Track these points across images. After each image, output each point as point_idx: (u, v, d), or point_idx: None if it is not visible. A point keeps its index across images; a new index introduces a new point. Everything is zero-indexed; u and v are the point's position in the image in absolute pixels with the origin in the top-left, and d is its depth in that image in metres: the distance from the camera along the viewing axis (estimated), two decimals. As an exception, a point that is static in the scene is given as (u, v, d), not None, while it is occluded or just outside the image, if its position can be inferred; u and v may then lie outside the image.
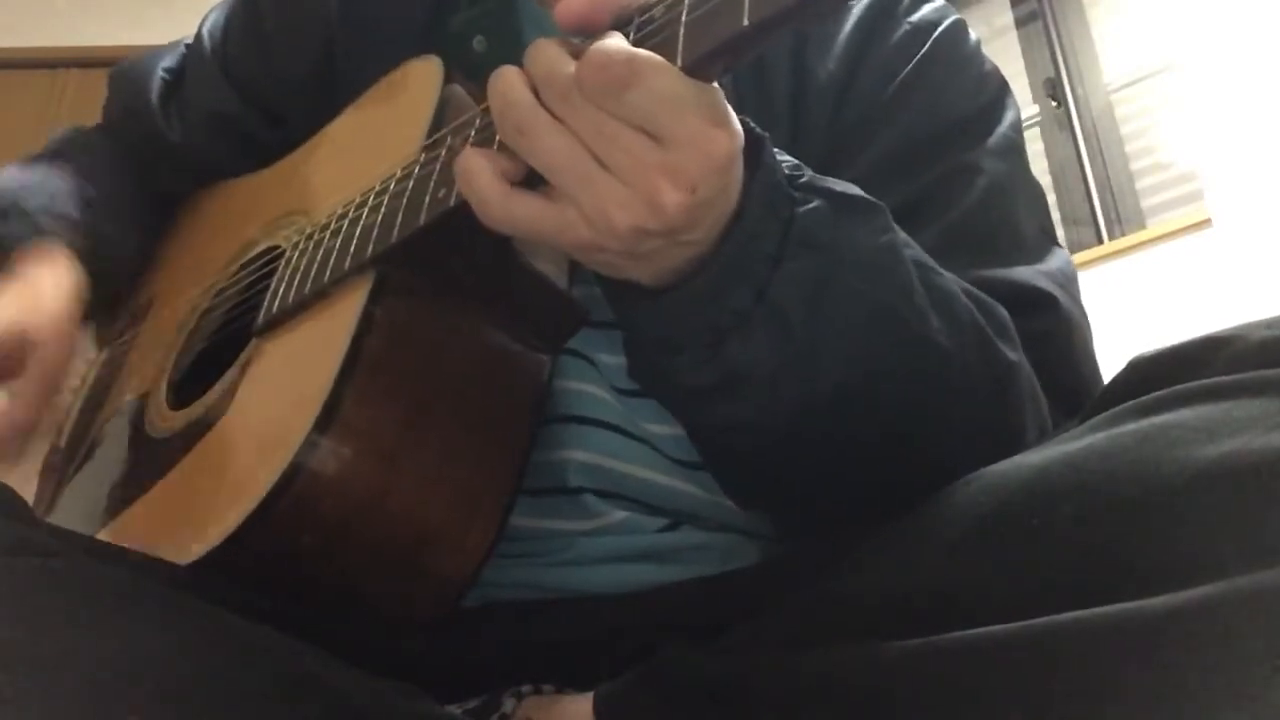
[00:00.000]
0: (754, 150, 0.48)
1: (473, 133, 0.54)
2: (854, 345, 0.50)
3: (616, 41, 0.45)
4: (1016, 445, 0.51)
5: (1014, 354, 0.56)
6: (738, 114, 0.46)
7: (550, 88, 0.45)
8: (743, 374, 0.50)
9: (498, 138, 0.48)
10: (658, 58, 0.44)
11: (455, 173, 0.49)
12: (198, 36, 0.88)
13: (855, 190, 0.52)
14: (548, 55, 0.46)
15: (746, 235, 0.47)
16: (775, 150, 0.50)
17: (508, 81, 0.47)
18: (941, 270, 0.54)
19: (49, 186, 0.81)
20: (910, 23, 0.70)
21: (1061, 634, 0.39)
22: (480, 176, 0.48)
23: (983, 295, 0.57)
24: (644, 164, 0.44)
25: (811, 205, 0.49)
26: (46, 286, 0.74)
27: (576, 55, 0.45)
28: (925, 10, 0.72)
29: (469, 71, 0.67)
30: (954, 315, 0.53)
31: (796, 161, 0.51)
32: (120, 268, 0.84)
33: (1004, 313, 0.58)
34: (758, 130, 0.49)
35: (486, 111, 0.54)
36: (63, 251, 0.76)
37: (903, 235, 0.53)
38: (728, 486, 0.61)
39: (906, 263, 0.52)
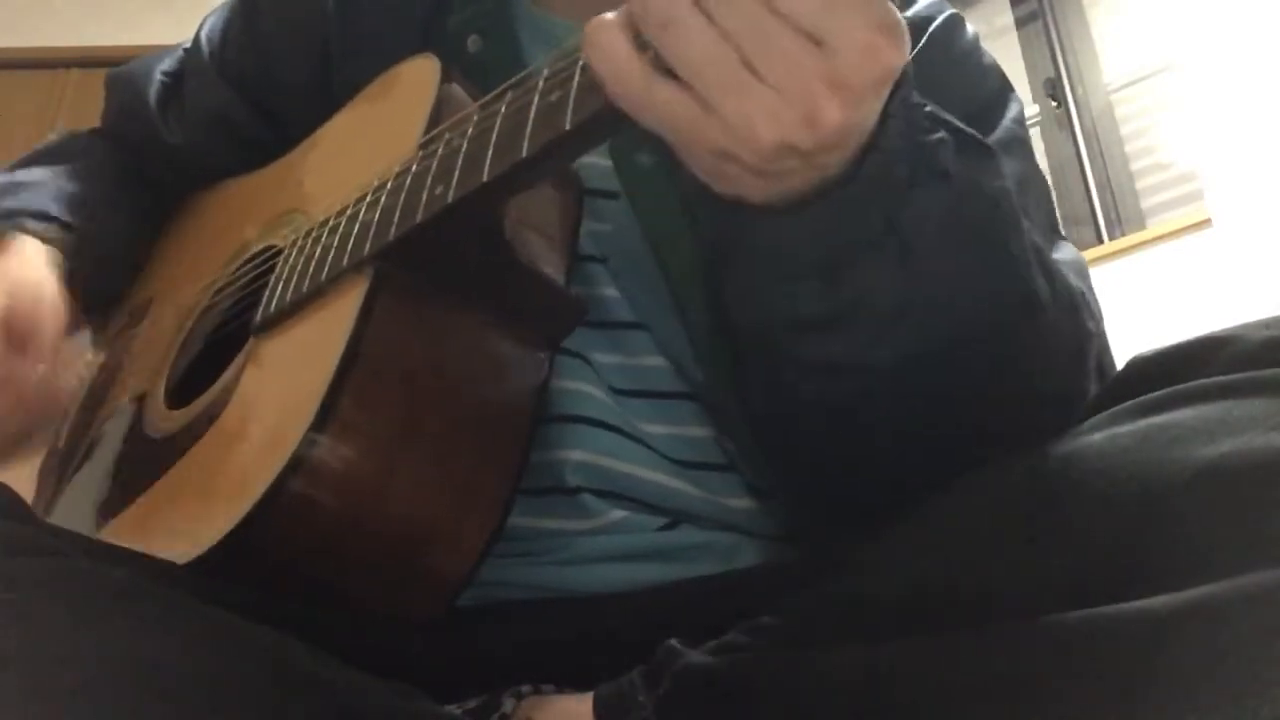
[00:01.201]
0: None
1: (470, 129, 0.54)
2: (971, 285, 0.47)
3: None
4: (1076, 416, 0.49)
5: (1093, 324, 0.56)
6: None
7: None
8: (859, 305, 0.47)
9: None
10: None
11: (585, 43, 0.43)
12: (195, 40, 0.88)
13: (972, 130, 0.50)
14: None
15: (886, 159, 0.44)
16: None
17: None
18: (1039, 231, 0.53)
19: (32, 184, 0.81)
20: (906, 19, 0.70)
21: (1062, 634, 0.39)
22: (618, 50, 0.42)
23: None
24: (805, 72, 0.39)
25: (939, 135, 0.47)
26: (14, 264, 0.74)
27: None
28: (919, 5, 0.71)
29: (464, 71, 0.67)
30: (1052, 274, 0.52)
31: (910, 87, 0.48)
32: (109, 266, 0.84)
33: (1086, 286, 0.57)
34: None
35: (484, 107, 0.54)
36: (32, 241, 0.76)
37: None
38: (785, 453, 0.58)
39: (1018, 210, 0.50)
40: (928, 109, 0.48)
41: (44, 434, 0.77)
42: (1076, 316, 0.54)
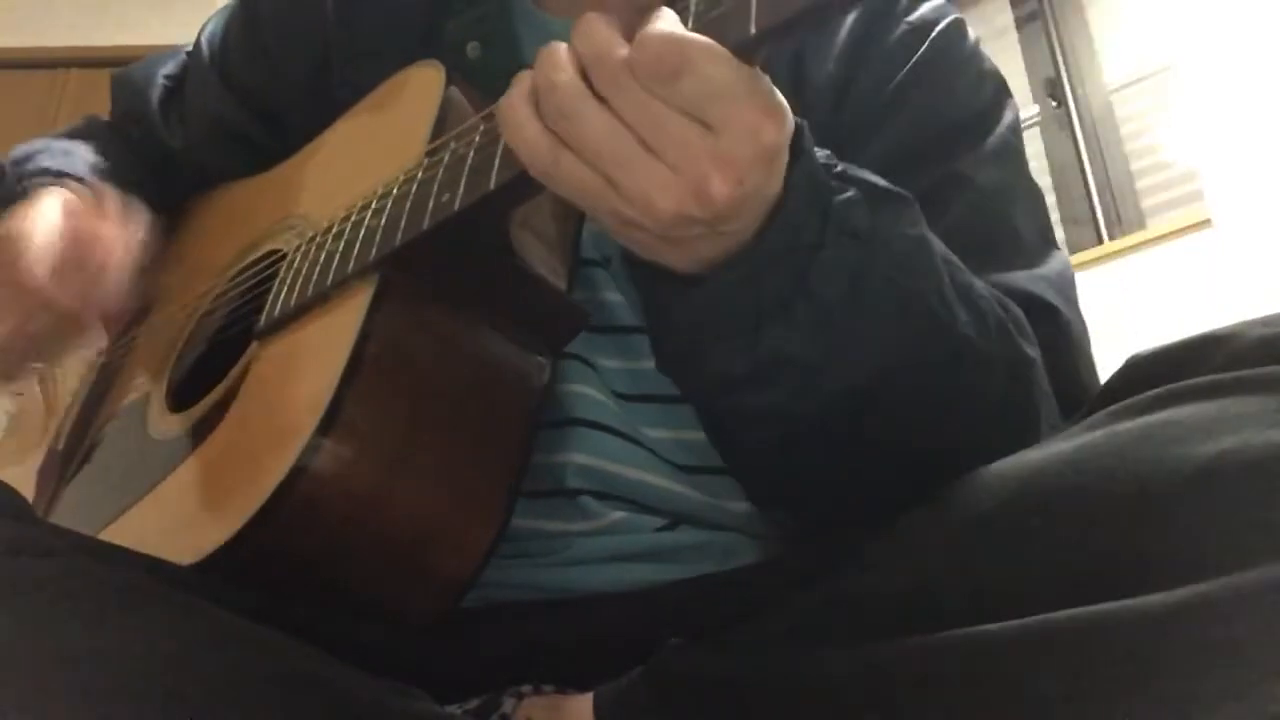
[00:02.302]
0: (793, 139, 0.47)
1: (477, 137, 0.54)
2: (887, 334, 0.50)
3: (673, 24, 0.43)
4: (1032, 440, 0.51)
5: (1032, 350, 0.57)
6: None
7: (600, 68, 0.44)
8: (780, 361, 0.49)
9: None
10: (714, 44, 0.42)
11: (499, 120, 0.47)
12: (197, 44, 0.88)
13: (886, 183, 0.52)
14: (599, 34, 0.44)
15: (789, 224, 0.47)
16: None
17: (552, 62, 0.45)
18: (964, 266, 0.54)
19: (68, 151, 0.81)
20: (909, 22, 0.70)
21: (1061, 633, 0.39)
22: (527, 128, 0.46)
23: (1000, 294, 0.57)
24: (694, 152, 0.43)
25: (849, 194, 0.49)
26: (66, 196, 0.74)
27: (627, 33, 0.44)
28: (924, 10, 0.71)
29: (464, 77, 0.67)
30: (980, 310, 0.53)
31: (829, 151, 0.51)
32: None
33: (1020, 312, 0.58)
34: (796, 119, 0.48)
35: (489, 118, 0.54)
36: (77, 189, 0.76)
37: (929, 230, 0.53)
38: (748, 483, 0.61)
39: (937, 255, 0.52)
40: (838, 169, 0.50)
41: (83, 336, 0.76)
42: (1009, 347, 0.55)
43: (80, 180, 0.77)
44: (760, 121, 0.43)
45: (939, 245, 0.53)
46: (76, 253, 0.69)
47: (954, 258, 0.54)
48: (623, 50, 0.43)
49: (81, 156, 0.81)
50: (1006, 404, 0.55)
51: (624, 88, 0.43)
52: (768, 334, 0.49)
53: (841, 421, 0.51)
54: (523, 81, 0.47)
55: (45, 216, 0.70)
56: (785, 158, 0.46)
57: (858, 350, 0.49)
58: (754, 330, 0.49)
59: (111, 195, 0.75)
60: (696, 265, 0.48)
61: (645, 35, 0.43)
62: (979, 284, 0.55)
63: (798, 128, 0.48)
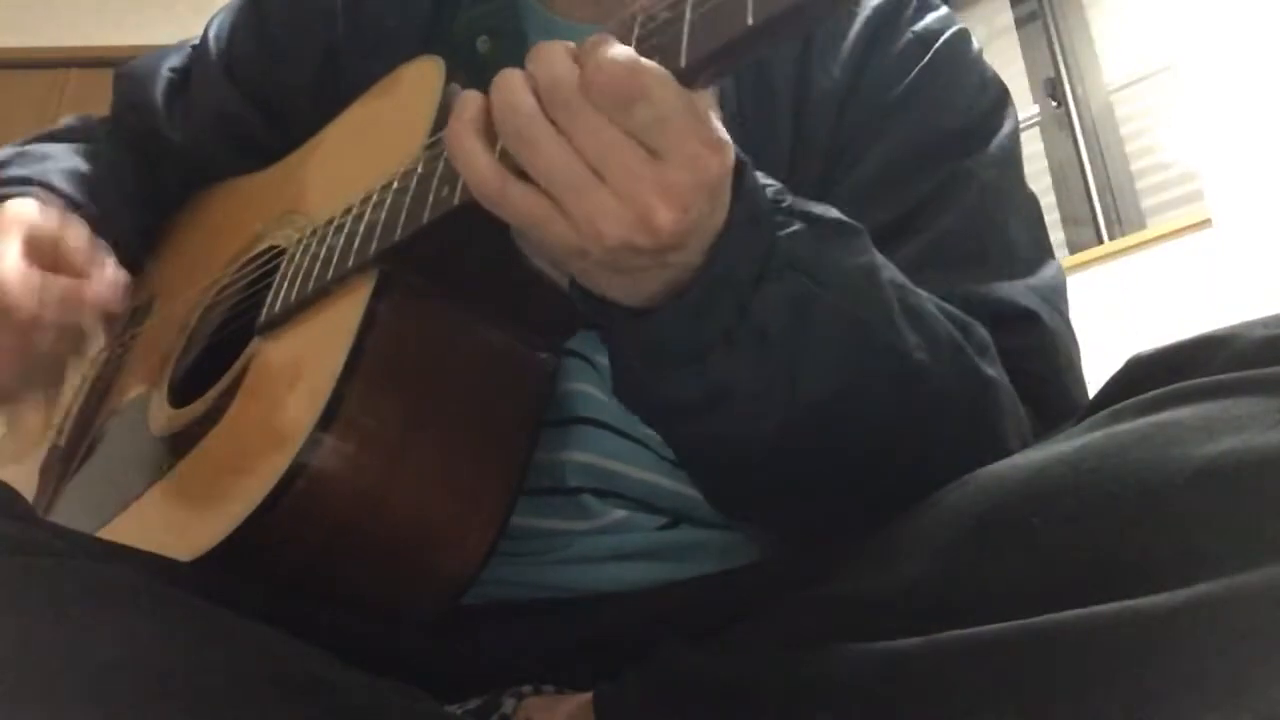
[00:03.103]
0: (737, 174, 0.48)
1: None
2: (834, 361, 0.50)
3: (625, 50, 0.44)
4: (998, 458, 0.51)
5: (992, 370, 0.57)
6: (734, 126, 0.46)
7: (554, 93, 0.45)
8: (726, 390, 0.50)
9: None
10: (665, 71, 0.43)
11: (449, 149, 0.49)
12: (203, 38, 0.88)
13: (835, 214, 0.53)
14: (552, 59, 0.45)
15: (731, 257, 0.48)
16: (758, 174, 0.50)
17: (510, 86, 0.46)
18: (919, 290, 0.55)
19: (41, 157, 0.81)
20: (914, 32, 0.70)
21: (1061, 633, 0.39)
22: (476, 157, 0.47)
23: (961, 314, 0.58)
24: (639, 179, 0.44)
25: (793, 229, 0.50)
26: (26, 205, 0.74)
27: (579, 59, 0.45)
28: (929, 19, 0.72)
29: (473, 72, 0.67)
30: (931, 333, 0.54)
31: (780, 185, 0.52)
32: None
33: (983, 331, 0.58)
34: (741, 155, 0.49)
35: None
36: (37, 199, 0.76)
37: (880, 257, 0.54)
38: (711, 497, 0.62)
39: (884, 283, 0.53)
40: (785, 204, 0.51)
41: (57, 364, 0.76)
42: (964, 367, 0.55)
43: (49, 187, 0.77)
44: (703, 152, 0.44)
45: (889, 271, 0.54)
46: (44, 263, 0.69)
47: (908, 283, 0.55)
48: (575, 74, 0.44)
49: (55, 164, 0.81)
50: (967, 425, 0.55)
51: (576, 111, 0.44)
52: (714, 364, 0.49)
53: (796, 447, 0.52)
54: (466, 107, 0.48)
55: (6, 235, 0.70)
56: (728, 190, 0.47)
57: (802, 378, 0.50)
58: (700, 360, 0.49)
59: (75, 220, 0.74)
60: (642, 298, 0.49)
61: (602, 59, 0.43)
62: (931, 307, 0.55)
63: (742, 164, 0.49)
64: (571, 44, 0.46)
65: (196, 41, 0.90)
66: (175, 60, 0.90)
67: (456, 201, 0.52)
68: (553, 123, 0.45)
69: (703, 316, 0.49)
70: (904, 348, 0.52)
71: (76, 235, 0.72)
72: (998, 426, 0.56)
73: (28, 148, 0.83)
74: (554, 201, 0.45)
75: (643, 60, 0.44)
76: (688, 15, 0.44)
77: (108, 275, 0.72)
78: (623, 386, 0.55)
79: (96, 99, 0.93)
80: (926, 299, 0.55)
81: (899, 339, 0.52)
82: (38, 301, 0.67)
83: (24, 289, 0.66)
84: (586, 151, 0.44)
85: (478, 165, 0.47)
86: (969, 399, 0.55)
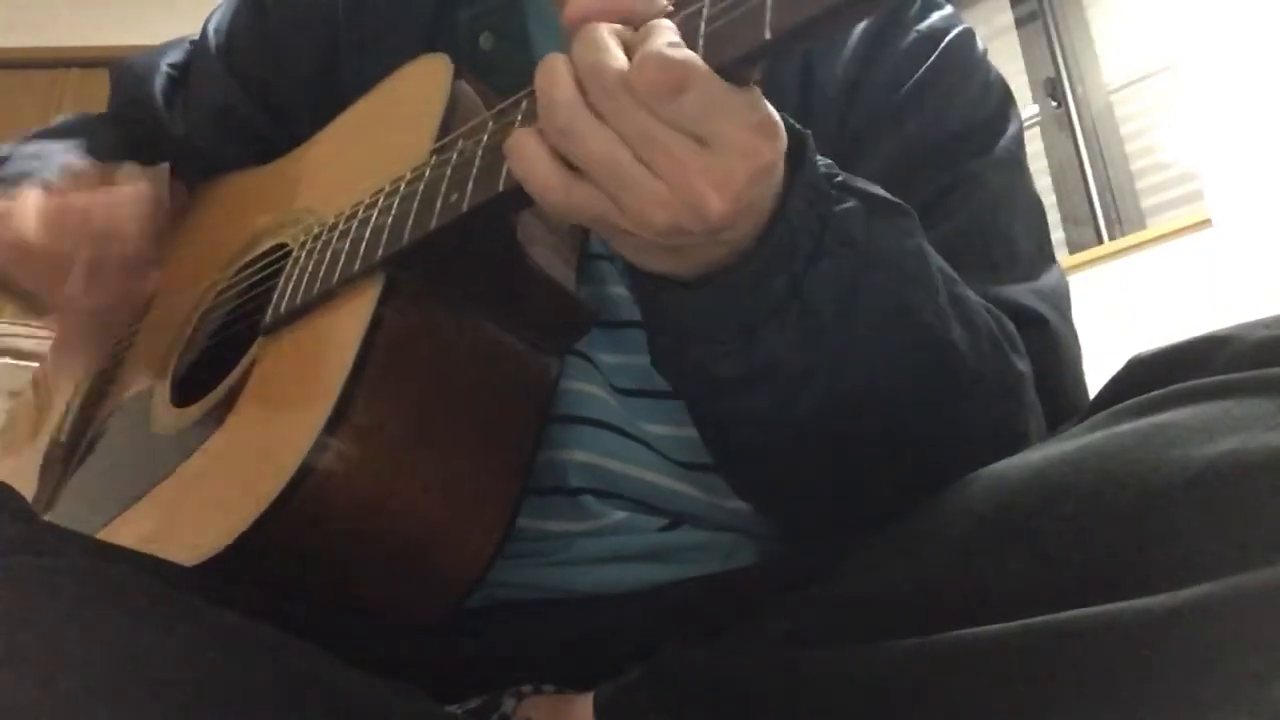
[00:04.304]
0: (795, 148, 0.48)
1: (485, 137, 0.54)
2: (880, 344, 0.50)
3: (672, 41, 0.43)
4: (1020, 450, 0.51)
5: (1023, 365, 0.57)
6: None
7: (597, 82, 0.44)
8: (772, 366, 0.50)
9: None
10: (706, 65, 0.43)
11: (508, 154, 0.48)
12: (203, 33, 0.88)
13: (886, 193, 0.52)
14: (598, 45, 0.44)
15: (787, 232, 0.48)
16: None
17: (552, 78, 0.45)
18: (960, 280, 0.55)
19: (38, 154, 0.81)
20: (919, 31, 0.70)
21: (1061, 633, 0.39)
22: (538, 162, 0.46)
23: (993, 308, 0.58)
24: (689, 168, 0.43)
25: (848, 205, 0.50)
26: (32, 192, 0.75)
27: (626, 46, 0.44)
28: (934, 19, 0.72)
29: (476, 69, 0.67)
30: (973, 324, 0.54)
31: (830, 160, 0.51)
32: None
33: (1012, 326, 0.58)
34: (799, 128, 0.48)
35: (498, 115, 0.54)
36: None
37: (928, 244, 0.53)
38: (737, 483, 0.61)
39: (934, 268, 0.53)
40: (839, 179, 0.51)
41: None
42: (1000, 360, 0.55)
43: (47, 184, 0.77)
44: (755, 140, 0.43)
45: (936, 258, 0.54)
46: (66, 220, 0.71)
47: (951, 271, 0.55)
48: (619, 63, 0.43)
49: (53, 160, 0.81)
50: (996, 417, 0.55)
51: (619, 103, 0.43)
52: (762, 339, 0.49)
53: (829, 428, 0.52)
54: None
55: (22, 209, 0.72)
56: (781, 171, 0.47)
57: (850, 359, 0.50)
58: (749, 335, 0.49)
59: (89, 170, 0.76)
60: (696, 269, 0.49)
61: (645, 54, 0.43)
62: (973, 297, 0.55)
63: (800, 136, 0.48)
64: (619, 27, 0.45)
65: (195, 37, 0.89)
66: (174, 56, 0.90)
67: (465, 208, 0.52)
68: (599, 119, 0.44)
69: (756, 291, 0.48)
70: (947, 335, 0.52)
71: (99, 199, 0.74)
72: (1024, 421, 0.56)
73: (23, 147, 0.83)
74: (609, 194, 0.45)
75: (688, 54, 0.43)
76: (702, 28, 0.43)
77: (127, 189, 0.74)
78: (665, 358, 0.55)
79: (96, 99, 0.93)
80: (968, 289, 0.55)
81: (943, 326, 0.52)
82: (69, 211, 0.70)
83: (56, 208, 0.70)
84: (632, 141, 0.43)
85: (540, 172, 0.46)
86: (1002, 391, 0.55)
